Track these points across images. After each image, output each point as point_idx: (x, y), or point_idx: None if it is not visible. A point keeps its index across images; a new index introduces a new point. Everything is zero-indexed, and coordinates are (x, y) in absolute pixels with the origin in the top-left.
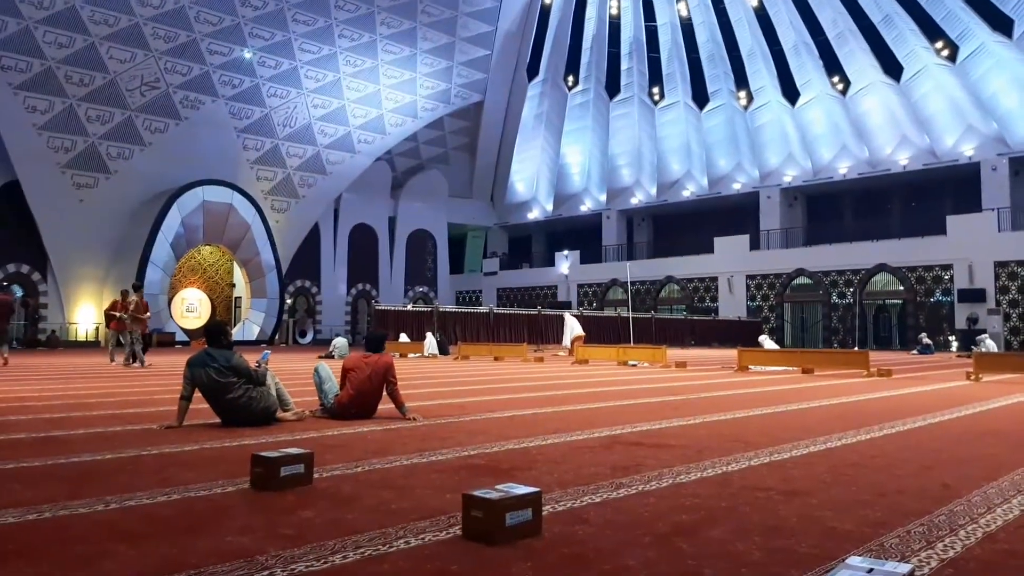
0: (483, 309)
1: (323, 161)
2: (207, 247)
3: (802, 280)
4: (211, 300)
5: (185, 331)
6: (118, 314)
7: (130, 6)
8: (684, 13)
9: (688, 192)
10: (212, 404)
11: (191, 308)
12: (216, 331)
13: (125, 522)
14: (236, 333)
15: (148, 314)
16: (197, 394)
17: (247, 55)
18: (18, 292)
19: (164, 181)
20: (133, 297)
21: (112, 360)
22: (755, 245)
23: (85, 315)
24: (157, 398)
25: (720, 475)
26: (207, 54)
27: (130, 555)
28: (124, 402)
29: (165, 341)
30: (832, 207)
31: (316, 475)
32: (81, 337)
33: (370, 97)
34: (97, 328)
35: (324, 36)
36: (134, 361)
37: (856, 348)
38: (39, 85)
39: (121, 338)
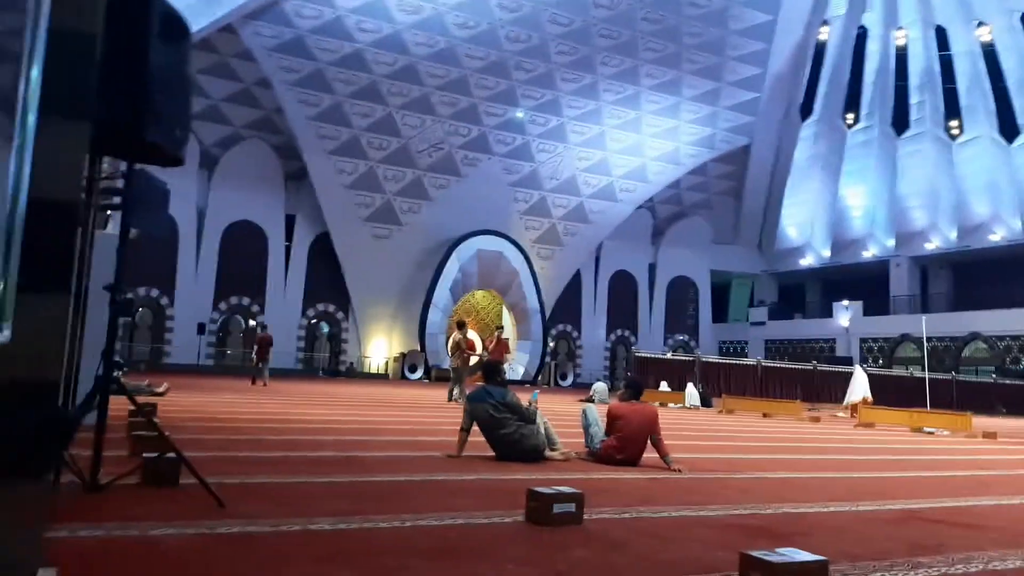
0: (750, 361)
1: (586, 210)
2: (480, 291)
3: None
4: (482, 340)
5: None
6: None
7: (420, 78)
8: (986, 39)
9: (997, 236)
10: (488, 437)
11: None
12: (493, 369)
13: (419, 539)
14: None
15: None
16: (475, 428)
17: (519, 115)
18: (325, 328)
19: (445, 231)
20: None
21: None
22: None
23: (377, 349)
24: (440, 428)
25: None
26: (484, 116)
27: (426, 570)
28: (412, 430)
29: (442, 376)
30: None
31: (586, 516)
32: (373, 369)
33: (633, 147)
34: (387, 362)
35: (590, 92)
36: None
37: None
38: (347, 150)
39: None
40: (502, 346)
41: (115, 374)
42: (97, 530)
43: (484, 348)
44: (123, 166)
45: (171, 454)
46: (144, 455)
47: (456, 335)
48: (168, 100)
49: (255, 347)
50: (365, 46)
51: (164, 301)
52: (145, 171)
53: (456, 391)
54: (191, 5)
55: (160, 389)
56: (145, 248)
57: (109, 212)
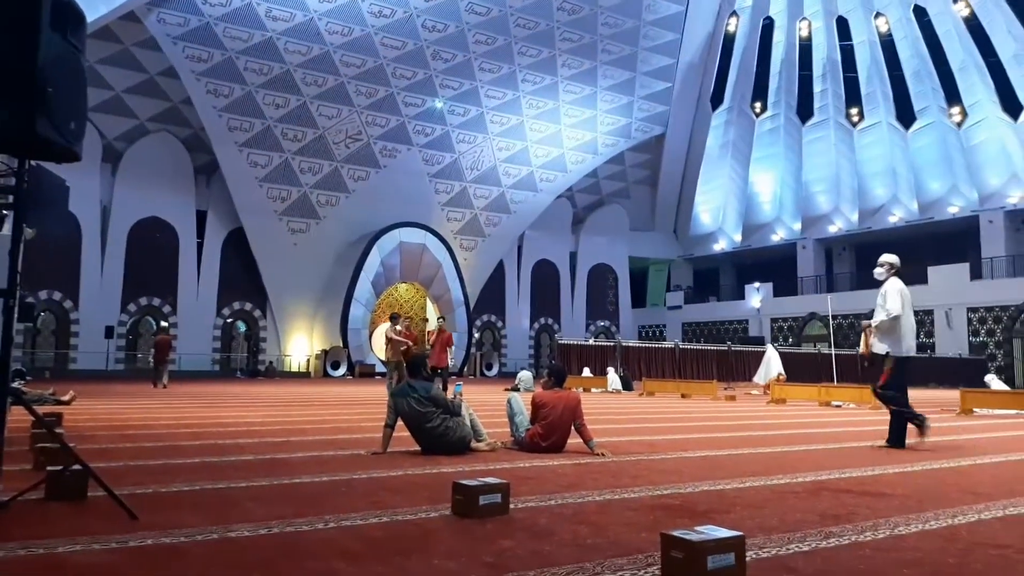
0: (668, 344)
1: (507, 201)
2: (403, 284)
3: None
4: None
5: (383, 363)
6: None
7: (336, 67)
8: (884, 29)
9: (895, 218)
10: (413, 432)
11: None
12: (416, 364)
13: (344, 541)
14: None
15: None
16: (400, 423)
17: (438, 105)
18: (241, 327)
19: (365, 224)
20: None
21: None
22: (976, 274)
23: (298, 347)
24: (364, 425)
25: (946, 528)
26: (403, 106)
27: (352, 572)
28: (335, 428)
29: (365, 372)
30: None
31: (512, 505)
32: (295, 368)
33: (551, 137)
34: (308, 359)
35: (508, 82)
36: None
37: None
38: (260, 142)
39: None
40: (445, 338)
41: (15, 384)
42: None
43: (426, 342)
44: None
45: (77, 466)
46: (48, 468)
47: (387, 328)
48: (61, 92)
49: (152, 349)
50: (277, 34)
51: (68, 304)
52: (41, 167)
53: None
54: None
55: (66, 397)
56: (45, 249)
57: (3, 212)
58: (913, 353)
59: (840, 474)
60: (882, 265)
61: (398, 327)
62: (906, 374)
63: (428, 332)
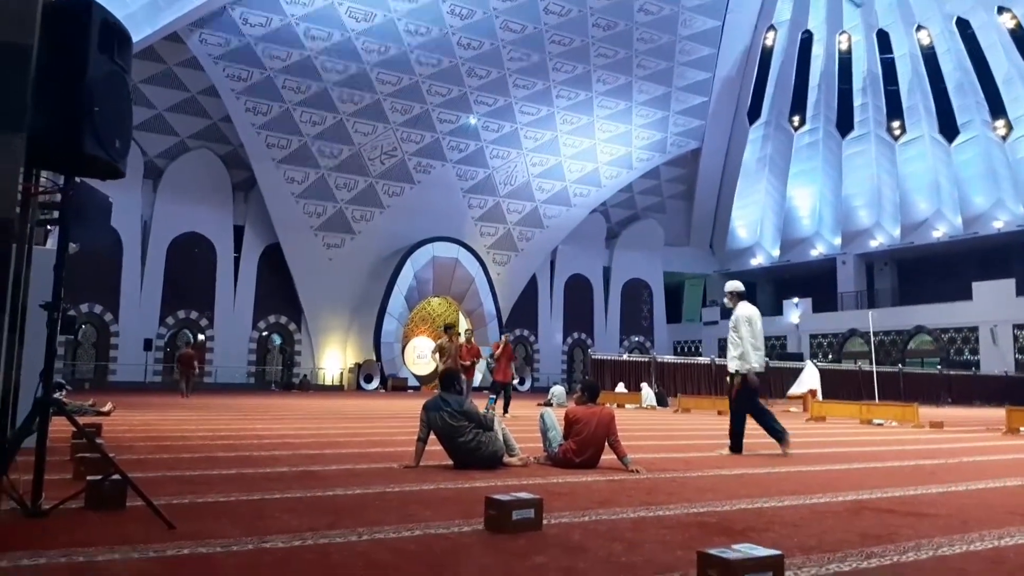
0: (704, 360)
1: (540, 216)
2: (436, 299)
3: None
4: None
5: (416, 377)
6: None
7: (372, 85)
8: (925, 42)
9: (939, 233)
10: (445, 446)
11: (421, 355)
12: (450, 378)
13: (376, 553)
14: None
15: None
16: (432, 437)
17: (472, 121)
18: (277, 340)
19: (399, 239)
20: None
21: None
22: (1022, 290)
23: (331, 361)
24: (397, 439)
25: (992, 550)
26: (437, 122)
27: None
28: (368, 441)
29: (398, 386)
30: None
31: (545, 521)
32: (328, 381)
33: (586, 152)
34: (342, 373)
35: (542, 98)
36: None
37: None
38: (297, 159)
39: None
40: (510, 352)
41: (56, 395)
42: (39, 558)
43: (491, 356)
44: (62, 179)
45: (116, 476)
46: (88, 478)
47: (443, 340)
48: (107, 111)
49: (177, 362)
50: (315, 53)
51: (108, 317)
52: (85, 183)
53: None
54: (133, 14)
55: (105, 408)
56: (88, 263)
57: (48, 227)
58: (759, 369)
59: (881, 493)
60: (727, 294)
61: (461, 340)
62: (756, 389)
63: (461, 344)
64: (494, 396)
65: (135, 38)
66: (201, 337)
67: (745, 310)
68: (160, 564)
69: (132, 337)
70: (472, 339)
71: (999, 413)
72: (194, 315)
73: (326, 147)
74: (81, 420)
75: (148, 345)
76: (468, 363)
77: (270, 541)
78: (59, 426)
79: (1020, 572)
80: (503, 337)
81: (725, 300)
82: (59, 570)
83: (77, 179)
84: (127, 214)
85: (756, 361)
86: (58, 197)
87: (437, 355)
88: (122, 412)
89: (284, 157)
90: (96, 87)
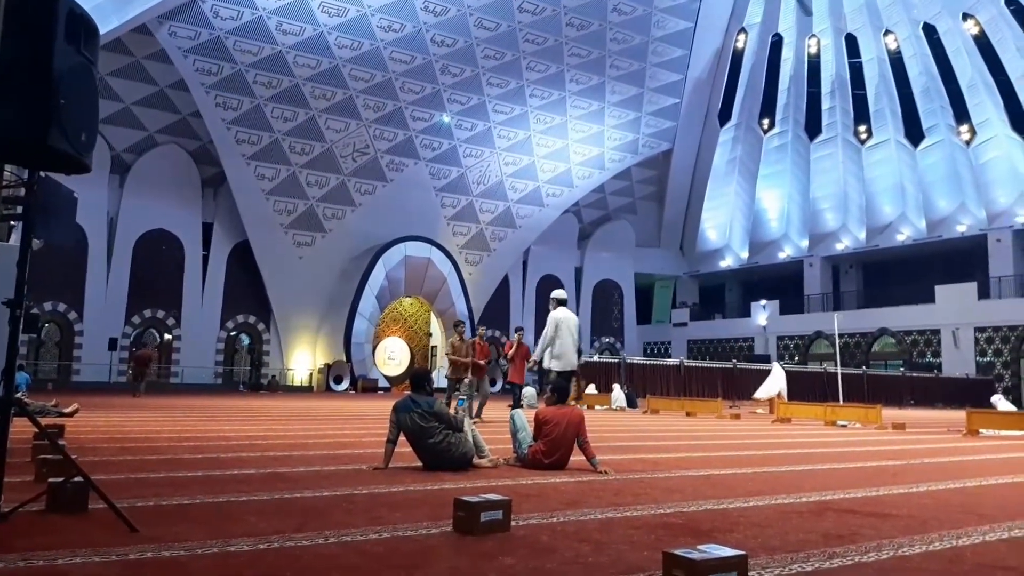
0: (673, 361)
1: (513, 215)
2: (407, 299)
3: None
4: (410, 349)
5: (387, 378)
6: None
7: (344, 81)
8: (893, 47)
9: (903, 236)
10: (415, 448)
11: (392, 356)
12: (420, 378)
13: (344, 557)
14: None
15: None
16: (401, 438)
17: (446, 119)
18: (245, 341)
19: (371, 238)
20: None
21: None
22: (984, 294)
23: (301, 361)
24: (366, 440)
25: (950, 549)
26: (410, 120)
27: None
28: (337, 443)
29: (368, 387)
30: None
31: (513, 522)
32: (297, 382)
33: (558, 152)
34: (311, 374)
35: (516, 97)
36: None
37: None
38: (267, 155)
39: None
40: (524, 351)
41: (16, 394)
42: None
43: (501, 355)
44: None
45: (78, 478)
46: (50, 480)
47: (455, 338)
48: (73, 104)
49: (130, 363)
50: (287, 48)
51: (72, 316)
52: (50, 178)
53: (471, 404)
54: (100, 4)
55: (68, 409)
56: (52, 260)
57: (12, 222)
58: (570, 368)
59: (844, 494)
60: (550, 300)
61: (474, 338)
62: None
63: (473, 342)
64: (463, 399)
65: (102, 29)
66: (168, 336)
67: (558, 315)
68: (123, 568)
69: (97, 336)
70: (482, 337)
71: (960, 415)
72: (161, 314)
73: (297, 143)
74: (44, 421)
75: (113, 344)
76: (483, 362)
77: (236, 544)
78: (20, 427)
79: (977, 571)
80: (517, 335)
81: (550, 306)
82: (18, 574)
83: (41, 173)
84: (93, 210)
85: (568, 360)
86: (22, 192)
87: (449, 352)
88: (86, 413)
89: (254, 153)
90: (62, 79)
